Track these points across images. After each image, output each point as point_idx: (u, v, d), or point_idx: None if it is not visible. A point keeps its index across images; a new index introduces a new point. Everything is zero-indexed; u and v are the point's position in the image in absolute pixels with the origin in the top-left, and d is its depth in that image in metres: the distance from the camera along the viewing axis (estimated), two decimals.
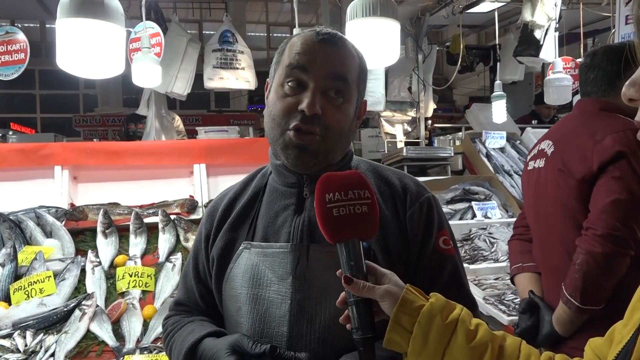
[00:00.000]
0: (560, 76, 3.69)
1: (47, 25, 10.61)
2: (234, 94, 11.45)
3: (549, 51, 3.64)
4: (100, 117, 10.03)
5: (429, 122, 5.32)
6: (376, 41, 1.91)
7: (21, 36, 2.80)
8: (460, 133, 5.92)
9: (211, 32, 9.69)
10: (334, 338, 1.01)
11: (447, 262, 1.08)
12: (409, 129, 4.49)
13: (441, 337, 0.81)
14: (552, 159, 1.74)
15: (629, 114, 1.67)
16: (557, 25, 3.57)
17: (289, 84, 1.04)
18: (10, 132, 9.04)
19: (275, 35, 11.53)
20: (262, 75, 4.62)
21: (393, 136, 4.39)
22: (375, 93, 3.06)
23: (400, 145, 4.27)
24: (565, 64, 3.88)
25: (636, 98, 0.60)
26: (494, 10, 3.92)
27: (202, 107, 11.18)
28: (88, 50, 1.47)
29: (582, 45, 4.17)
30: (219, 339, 1.03)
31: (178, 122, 4.87)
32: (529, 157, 1.95)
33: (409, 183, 1.13)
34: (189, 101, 4.89)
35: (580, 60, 4.55)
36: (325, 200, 0.89)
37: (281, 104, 1.04)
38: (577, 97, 3.98)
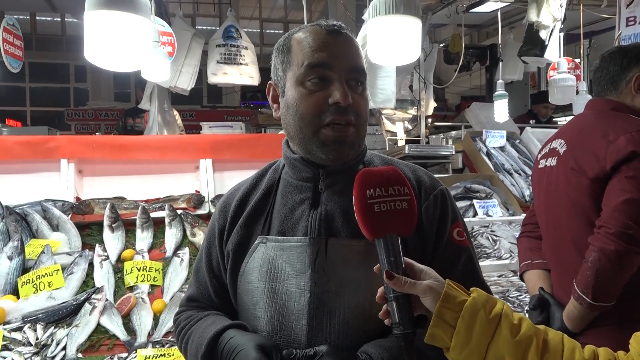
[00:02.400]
0: (565, 76, 3.73)
1: (37, 18, 10.50)
2: (227, 90, 11.37)
3: (553, 51, 3.69)
4: (92, 111, 9.92)
5: (429, 120, 5.36)
6: (398, 39, 1.91)
7: (19, 33, 2.78)
8: (454, 132, 5.97)
9: (204, 27, 9.65)
10: (353, 330, 1.02)
11: (462, 253, 1.10)
12: (410, 127, 4.52)
13: (485, 332, 0.82)
14: (564, 158, 1.76)
15: None
16: (562, 26, 3.62)
17: (312, 80, 1.04)
18: (0, 125, 8.92)
19: (268, 31, 11.48)
20: (261, 71, 4.63)
21: (394, 134, 4.41)
22: (386, 90, 3.06)
23: (401, 143, 4.30)
24: (567, 65, 3.93)
25: None
26: (496, 10, 3.96)
27: (194, 103, 11.10)
28: (116, 42, 1.46)
29: (582, 46, 4.23)
30: (247, 334, 1.02)
31: (177, 117, 4.85)
32: (539, 156, 1.97)
33: (422, 176, 1.15)
34: (181, 96, 4.85)
35: (578, 60, 4.62)
36: (367, 196, 0.90)
37: (309, 101, 1.04)
38: (578, 97, 4.03)
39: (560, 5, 3.41)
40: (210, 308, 1.18)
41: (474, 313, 0.82)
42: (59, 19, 10.48)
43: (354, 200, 0.92)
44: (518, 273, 2.07)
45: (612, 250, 1.49)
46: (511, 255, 2.84)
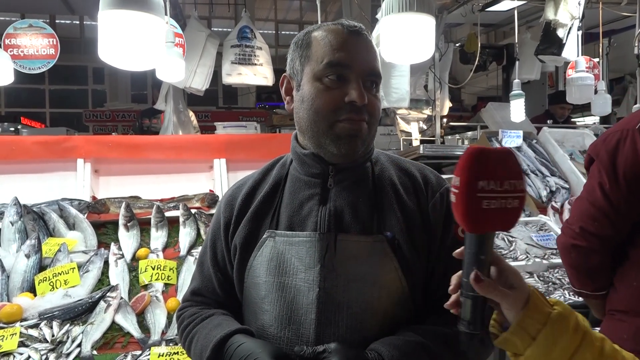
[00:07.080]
0: (583, 75, 3.66)
1: (57, 21, 10.68)
2: (242, 91, 11.45)
3: (571, 50, 3.63)
4: (110, 112, 10.06)
5: (444, 120, 5.32)
6: (411, 37, 1.91)
7: (50, 32, 2.85)
8: (470, 133, 5.92)
9: (220, 29, 9.72)
10: (361, 324, 1.03)
11: None
12: (425, 127, 4.49)
13: (567, 347, 0.78)
14: None
15: None
16: (580, 24, 3.56)
17: (329, 77, 1.06)
18: (20, 126, 9.10)
19: (283, 32, 11.52)
20: (275, 72, 4.65)
21: (408, 134, 4.40)
22: (399, 89, 3.05)
23: (415, 143, 4.27)
24: (585, 63, 3.86)
25: None
26: (512, 9, 3.91)
27: (210, 104, 11.20)
28: (130, 42, 1.48)
29: (601, 45, 4.16)
30: (258, 341, 1.02)
31: (192, 117, 4.89)
32: None
33: (428, 175, 1.17)
34: (197, 97, 4.88)
35: (597, 60, 4.54)
36: (477, 188, 0.76)
37: (325, 97, 1.06)
38: (596, 97, 3.95)
39: (579, 3, 3.36)
40: (214, 303, 1.19)
41: (559, 327, 0.78)
42: (77, 22, 10.64)
43: (457, 183, 0.78)
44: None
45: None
46: (527, 257, 2.80)
